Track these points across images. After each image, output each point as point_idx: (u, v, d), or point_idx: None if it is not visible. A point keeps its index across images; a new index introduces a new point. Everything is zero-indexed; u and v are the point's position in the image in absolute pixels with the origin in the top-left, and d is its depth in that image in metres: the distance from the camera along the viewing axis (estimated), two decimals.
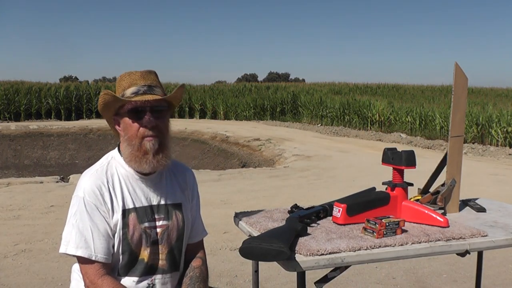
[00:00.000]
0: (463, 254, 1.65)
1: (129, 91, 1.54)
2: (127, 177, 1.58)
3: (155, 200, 1.59)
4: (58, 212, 5.49)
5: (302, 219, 1.72)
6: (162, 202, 1.60)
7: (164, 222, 1.59)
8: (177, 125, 17.80)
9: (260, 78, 53.45)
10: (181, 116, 22.77)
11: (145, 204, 1.57)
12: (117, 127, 1.61)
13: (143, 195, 1.58)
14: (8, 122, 19.64)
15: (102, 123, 18.26)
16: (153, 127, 1.52)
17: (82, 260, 1.50)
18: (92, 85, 25.96)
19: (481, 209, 2.08)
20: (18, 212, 5.57)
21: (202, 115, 22.69)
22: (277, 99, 22.69)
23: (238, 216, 1.90)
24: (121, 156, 1.59)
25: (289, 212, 1.85)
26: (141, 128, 1.52)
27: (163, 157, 1.54)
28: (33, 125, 17.65)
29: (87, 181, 1.54)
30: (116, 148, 1.64)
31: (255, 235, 1.65)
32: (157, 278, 1.57)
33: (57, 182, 7.77)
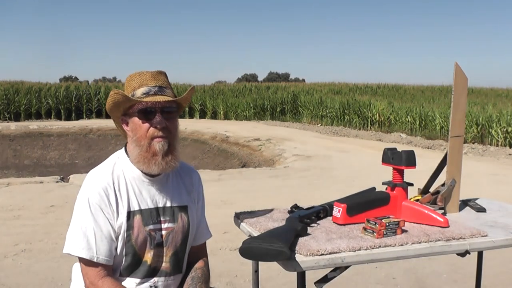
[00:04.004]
0: (463, 254, 1.65)
1: (139, 91, 1.52)
2: (133, 178, 1.56)
3: (161, 202, 1.58)
4: (58, 212, 5.48)
5: (302, 219, 1.71)
6: (168, 204, 1.59)
7: (170, 225, 1.58)
8: None
9: (260, 78, 53.49)
10: (181, 116, 22.09)
11: (151, 206, 1.56)
12: (124, 126, 1.58)
13: (149, 197, 1.56)
14: (8, 122, 19.63)
15: (102, 123, 18.26)
16: (163, 128, 1.50)
17: (83, 261, 1.49)
18: (92, 85, 25.97)
19: (481, 209, 2.07)
20: (18, 212, 5.56)
21: (202, 115, 22.69)
22: (277, 99, 22.68)
23: (238, 216, 1.90)
24: (128, 157, 1.57)
25: (289, 212, 1.85)
26: (150, 129, 1.50)
27: (172, 159, 1.52)
28: (33, 125, 17.65)
29: (93, 182, 1.53)
30: (123, 149, 1.62)
31: (255, 235, 1.64)
32: (160, 281, 1.57)
33: (57, 182, 7.78)
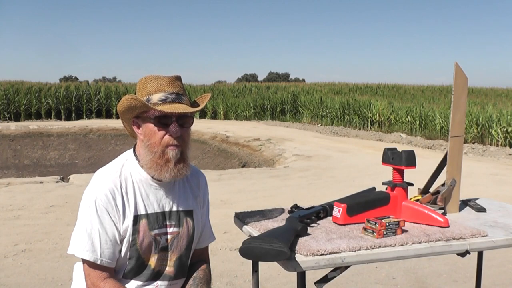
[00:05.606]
0: (463, 254, 1.65)
1: (156, 97, 1.50)
2: (141, 182, 1.55)
3: (167, 206, 1.57)
4: (58, 212, 5.48)
5: (302, 219, 1.71)
6: (174, 208, 1.58)
7: (175, 229, 1.57)
8: None
9: (260, 78, 53.60)
10: None
11: (158, 210, 1.55)
12: (135, 128, 1.57)
13: (156, 201, 1.56)
14: (8, 122, 19.66)
15: (102, 123, 18.27)
16: (178, 137, 1.51)
17: (87, 263, 1.49)
18: (92, 85, 25.99)
19: (481, 209, 2.07)
20: (18, 212, 5.57)
21: (202, 115, 22.69)
22: (277, 99, 22.69)
23: (238, 216, 1.90)
24: (137, 159, 1.56)
25: (289, 212, 1.85)
26: (166, 136, 1.49)
27: (184, 167, 1.53)
28: (33, 125, 17.66)
29: (100, 183, 1.51)
30: (131, 150, 1.60)
31: (255, 235, 1.64)
32: (163, 284, 1.57)
33: (57, 182, 7.78)
